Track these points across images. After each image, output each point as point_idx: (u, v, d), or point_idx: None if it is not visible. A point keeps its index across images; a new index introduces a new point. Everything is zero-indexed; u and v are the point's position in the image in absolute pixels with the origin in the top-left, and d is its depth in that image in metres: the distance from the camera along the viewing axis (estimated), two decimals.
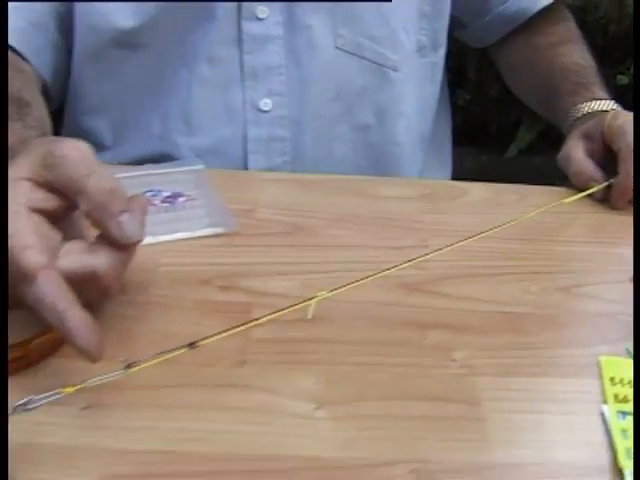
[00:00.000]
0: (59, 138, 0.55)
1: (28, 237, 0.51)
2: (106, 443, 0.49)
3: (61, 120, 0.94)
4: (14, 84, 0.75)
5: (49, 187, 0.53)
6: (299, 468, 0.48)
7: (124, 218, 0.52)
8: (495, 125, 2.06)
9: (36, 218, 0.52)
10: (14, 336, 0.55)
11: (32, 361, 0.54)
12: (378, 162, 0.93)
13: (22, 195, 0.52)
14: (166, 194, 0.72)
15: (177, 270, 0.65)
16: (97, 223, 0.52)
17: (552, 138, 1.04)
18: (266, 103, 0.87)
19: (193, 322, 0.59)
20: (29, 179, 0.53)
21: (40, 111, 0.74)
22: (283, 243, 0.69)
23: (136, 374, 0.51)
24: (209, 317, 0.59)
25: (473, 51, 1.23)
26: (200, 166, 0.79)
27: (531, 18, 1.02)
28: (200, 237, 0.69)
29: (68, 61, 0.88)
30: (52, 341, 0.55)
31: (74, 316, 0.49)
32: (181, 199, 0.72)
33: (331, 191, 0.78)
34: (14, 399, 0.46)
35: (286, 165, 0.89)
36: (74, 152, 0.53)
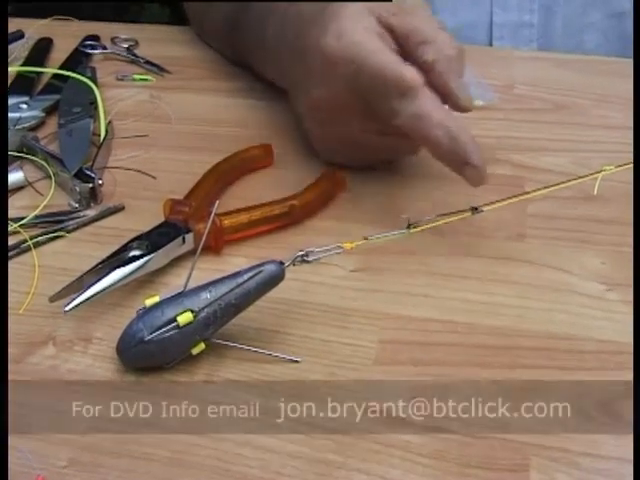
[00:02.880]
0: None
1: (393, 54, 0.48)
2: (380, 307, 0.46)
3: None
4: None
5: (388, 30, 0.50)
6: (593, 351, 0.43)
7: (465, 82, 0.50)
8: None
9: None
10: (277, 195, 0.52)
11: (295, 219, 0.52)
12: (631, 55, 0.84)
13: (370, 22, 0.50)
14: None
15: None
16: (438, 77, 0.49)
17: None
18: None
19: (461, 192, 0.54)
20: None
21: None
22: (548, 120, 0.63)
23: (406, 241, 0.48)
24: (479, 188, 0.54)
25: None
26: None
27: None
28: None
29: None
30: (314, 201, 0.53)
31: (464, 132, 0.47)
32: None
33: (590, 72, 0.71)
34: (277, 256, 0.43)
35: None
36: (422, 10, 0.51)
